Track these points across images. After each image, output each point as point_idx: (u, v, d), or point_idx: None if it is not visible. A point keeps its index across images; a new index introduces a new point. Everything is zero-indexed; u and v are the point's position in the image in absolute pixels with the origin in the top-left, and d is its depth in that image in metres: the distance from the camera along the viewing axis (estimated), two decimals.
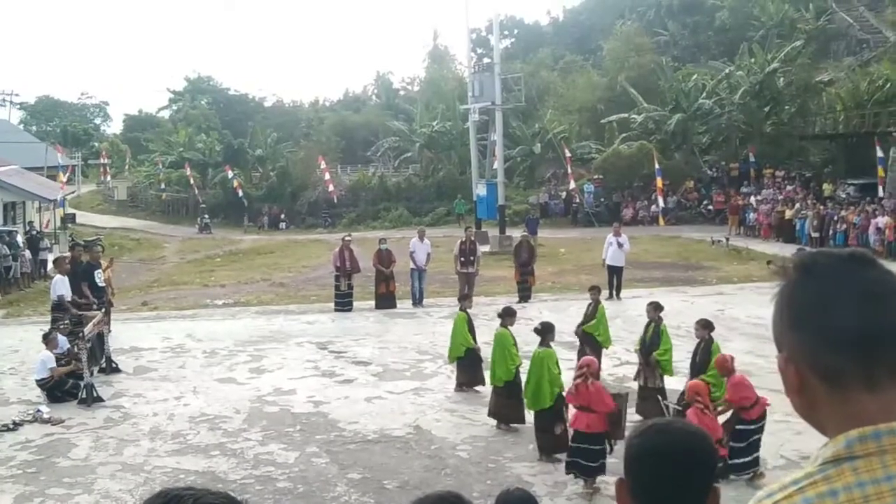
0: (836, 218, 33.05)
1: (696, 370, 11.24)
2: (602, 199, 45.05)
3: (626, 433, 10.23)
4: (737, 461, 9.70)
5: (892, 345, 1.53)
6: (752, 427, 9.89)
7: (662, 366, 12.10)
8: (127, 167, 72.86)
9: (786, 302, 1.62)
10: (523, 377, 11.57)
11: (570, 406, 10.28)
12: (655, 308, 12.70)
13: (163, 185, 58.67)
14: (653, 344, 12.27)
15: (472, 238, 23.14)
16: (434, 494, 2.39)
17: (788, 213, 35.81)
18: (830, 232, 32.89)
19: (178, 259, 37.34)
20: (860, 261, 1.60)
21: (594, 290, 15.17)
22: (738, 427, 9.89)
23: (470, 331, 13.84)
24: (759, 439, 9.97)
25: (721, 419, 9.97)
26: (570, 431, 10.11)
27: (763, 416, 10.02)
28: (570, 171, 42.27)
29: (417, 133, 57.02)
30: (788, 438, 10.54)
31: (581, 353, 13.45)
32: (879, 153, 34.41)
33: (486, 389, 12.98)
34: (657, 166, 38.10)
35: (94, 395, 13.65)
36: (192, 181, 54.47)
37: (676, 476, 2.06)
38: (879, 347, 1.52)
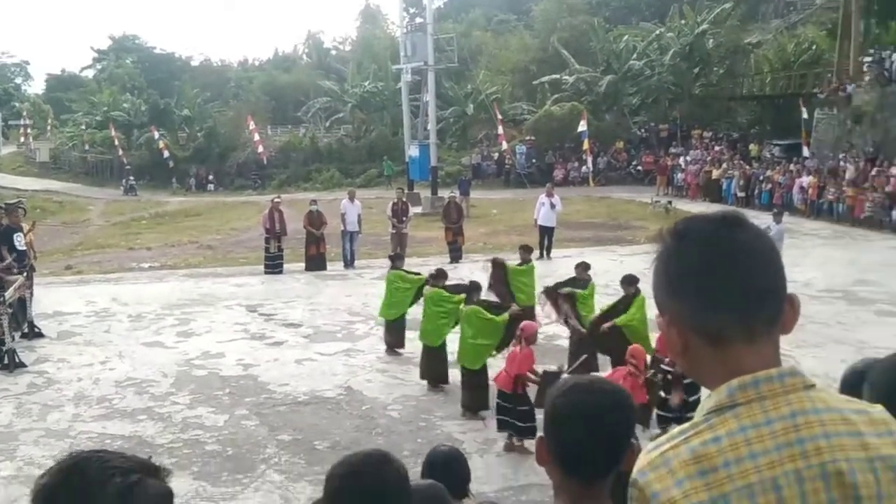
0: (761, 178, 33.73)
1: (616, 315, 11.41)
2: (534, 160, 45.19)
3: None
4: (666, 414, 9.79)
5: (766, 300, 1.63)
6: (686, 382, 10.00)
7: (582, 309, 12.19)
8: (49, 128, 70.86)
9: (664, 268, 1.69)
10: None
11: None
12: (584, 268, 12.80)
13: (87, 147, 57.20)
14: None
15: (404, 199, 23.09)
16: (361, 453, 2.37)
17: (715, 174, 36.44)
18: (756, 191, 33.55)
19: (102, 222, 36.55)
20: (731, 223, 1.67)
21: (524, 249, 15.14)
22: (688, 381, 9.93)
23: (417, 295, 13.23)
24: (699, 399, 10.05)
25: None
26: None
27: None
28: (502, 132, 42.28)
29: (349, 93, 56.46)
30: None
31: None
32: (804, 114, 35.12)
33: (416, 350, 12.99)
34: (584, 128, 38.30)
35: (17, 360, 13.28)
36: (116, 142, 53.09)
37: (595, 434, 2.09)
38: (755, 303, 1.62)
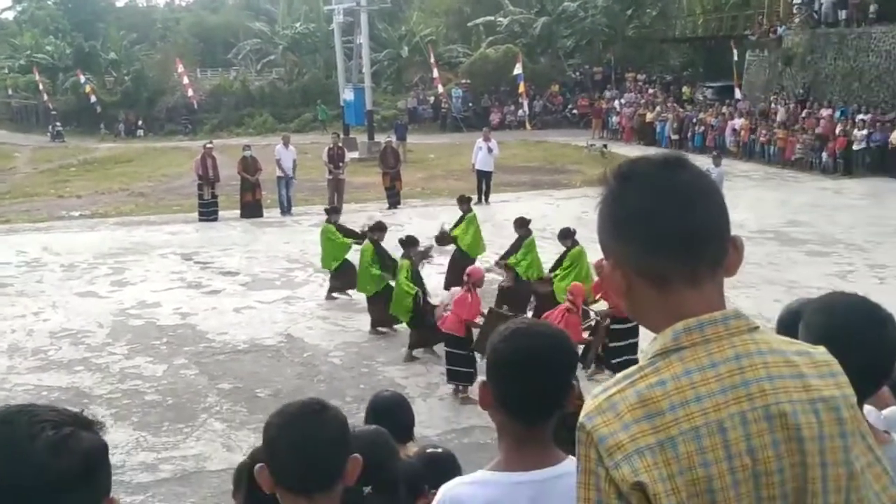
0: (694, 120, 34.13)
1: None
2: (470, 104, 45.02)
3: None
4: (613, 360, 9.87)
5: (710, 242, 1.63)
6: (628, 326, 10.04)
7: (514, 268, 12.30)
8: None
9: (608, 210, 1.69)
10: None
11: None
12: (521, 224, 12.72)
13: (10, 92, 55.31)
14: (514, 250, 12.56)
15: (340, 144, 22.85)
16: (297, 402, 2.33)
17: (649, 116, 36.78)
18: (689, 134, 33.95)
19: (29, 169, 35.49)
20: (675, 165, 1.67)
21: (463, 200, 14.71)
22: (614, 327, 10.10)
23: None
24: (637, 343, 10.15)
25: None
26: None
27: None
28: (437, 75, 41.94)
29: (280, 35, 55.39)
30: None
31: (451, 262, 13.62)
32: (736, 56, 35.51)
33: (357, 296, 13.00)
34: (519, 71, 38.21)
35: None
36: (41, 87, 51.25)
37: (537, 378, 2.14)
38: (699, 246, 1.62)
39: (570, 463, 2.17)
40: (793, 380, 1.58)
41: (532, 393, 2.14)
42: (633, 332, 10.00)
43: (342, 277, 13.64)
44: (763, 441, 1.54)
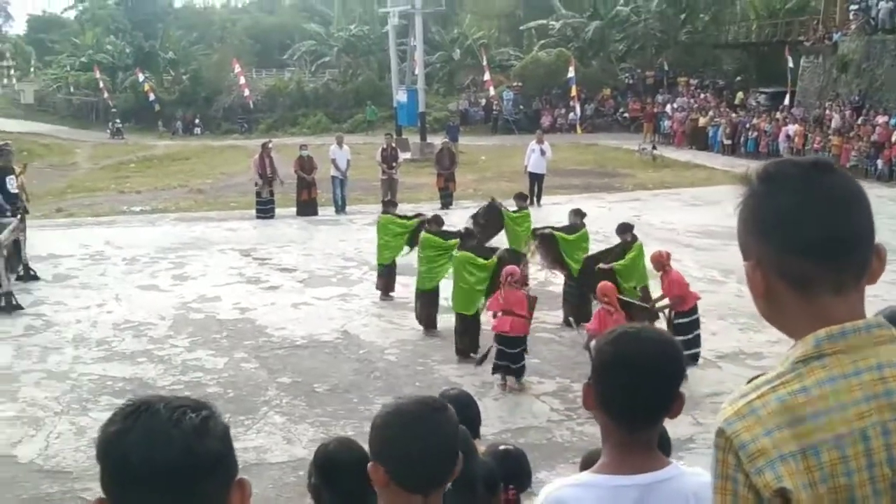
0: (747, 125, 33.83)
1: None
2: (521, 107, 45.03)
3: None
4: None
5: (857, 248, 1.62)
6: (690, 319, 10.36)
7: (574, 253, 12.42)
8: (32, 70, 69.75)
9: (751, 211, 1.68)
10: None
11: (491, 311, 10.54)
12: (577, 214, 12.97)
13: (72, 89, 56.44)
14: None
15: (394, 144, 23.10)
16: (413, 400, 2.28)
17: (702, 121, 36.54)
18: (742, 139, 33.68)
19: (90, 165, 36.31)
20: (823, 168, 1.66)
21: (520, 196, 15.12)
22: (678, 322, 10.26)
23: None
24: (699, 336, 10.47)
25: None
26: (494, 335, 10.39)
27: (695, 309, 10.49)
28: (489, 77, 42.04)
29: (335, 37, 55.87)
30: (704, 338, 10.99)
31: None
32: (790, 63, 35.13)
33: (410, 296, 13.17)
34: (571, 74, 38.19)
35: (14, 302, 13.39)
36: (101, 85, 52.30)
37: (645, 383, 2.13)
38: (847, 252, 1.61)
39: (674, 468, 2.22)
40: None
41: (636, 399, 2.12)
42: (696, 325, 10.21)
43: (385, 278, 13.83)
44: None
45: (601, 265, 11.55)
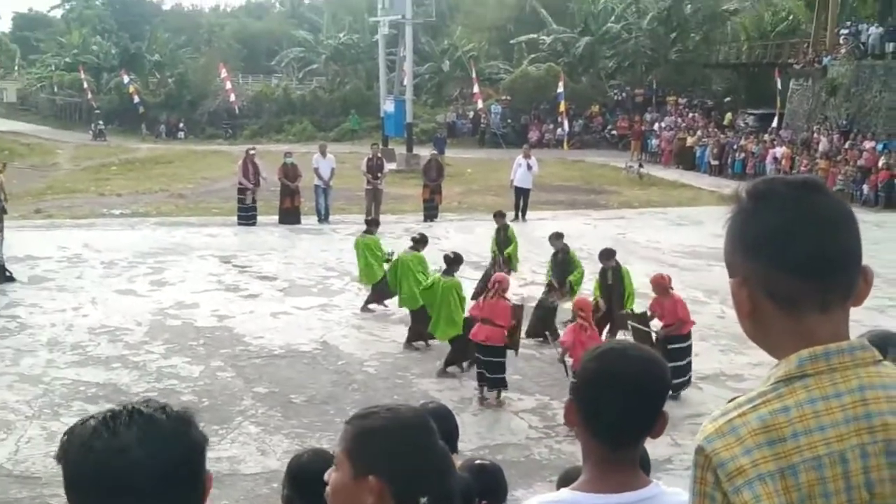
0: (735, 147, 33.92)
1: (618, 296, 11.52)
2: (509, 121, 44.98)
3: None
4: (677, 380, 9.84)
5: (844, 268, 1.61)
6: (685, 345, 10.23)
7: (574, 287, 12.34)
8: (16, 68, 69.40)
9: (739, 228, 1.65)
10: None
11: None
12: (557, 237, 12.86)
13: (55, 89, 56.13)
14: (564, 272, 12.52)
15: (379, 154, 22.96)
16: (405, 410, 2.07)
17: (690, 141, 36.60)
18: (729, 160, 33.76)
19: (71, 166, 35.99)
20: (812, 188, 1.64)
21: (498, 214, 14.99)
22: (672, 347, 10.08)
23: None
24: (690, 363, 10.34)
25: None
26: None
27: (690, 335, 10.40)
28: (477, 90, 41.98)
29: (323, 44, 55.78)
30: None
31: (487, 276, 13.54)
32: (779, 84, 35.30)
33: (393, 307, 13.05)
34: (560, 90, 38.23)
35: None
36: (86, 85, 51.98)
37: (629, 400, 2.08)
38: (833, 272, 1.59)
39: (655, 487, 2.17)
40: None
41: (620, 416, 2.09)
42: (688, 352, 10.12)
43: (381, 291, 13.67)
44: (881, 475, 1.53)
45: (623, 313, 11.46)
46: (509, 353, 10.21)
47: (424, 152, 27.32)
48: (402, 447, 1.95)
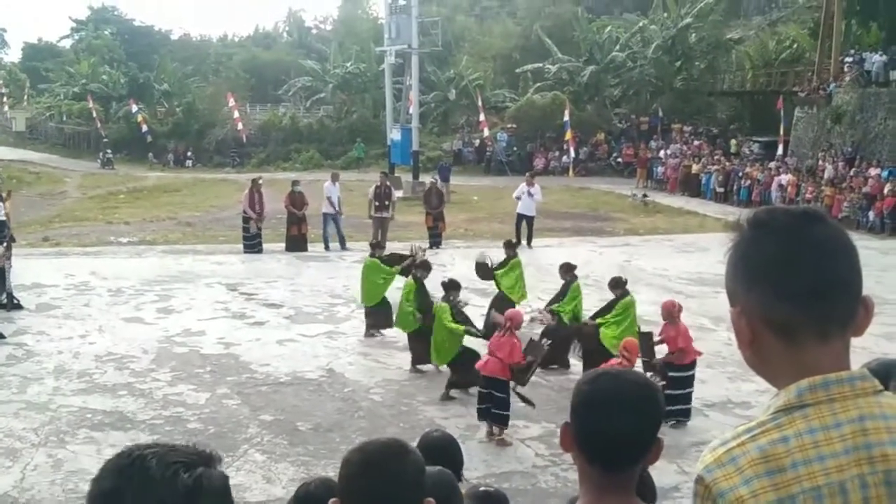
0: (740, 174, 33.97)
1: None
2: (515, 149, 45.15)
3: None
4: (673, 408, 9.77)
5: (842, 297, 1.61)
6: (686, 374, 10.21)
7: (559, 315, 12.31)
8: (26, 98, 69.86)
9: (740, 257, 1.66)
10: None
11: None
12: (567, 270, 12.76)
13: (64, 118, 56.49)
14: (557, 298, 12.59)
15: (388, 183, 23.03)
16: (378, 442, 2.28)
17: (695, 168, 36.65)
18: (734, 188, 33.81)
19: (79, 194, 36.18)
20: (813, 218, 1.65)
21: (509, 245, 14.80)
22: (672, 375, 10.02)
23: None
24: (692, 392, 10.31)
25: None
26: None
27: (693, 365, 10.35)
28: (483, 118, 42.19)
29: (331, 74, 56.07)
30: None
31: (492, 305, 13.52)
32: (783, 112, 35.39)
33: (399, 334, 13.03)
34: (566, 118, 38.38)
35: None
36: (94, 114, 52.34)
37: (622, 424, 2.08)
38: (832, 302, 1.59)
39: None
40: None
41: (613, 440, 2.08)
42: (688, 383, 10.07)
43: (376, 316, 13.71)
44: None
45: (587, 321, 11.63)
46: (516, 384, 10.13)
47: (430, 180, 27.41)
48: (358, 477, 2.16)
